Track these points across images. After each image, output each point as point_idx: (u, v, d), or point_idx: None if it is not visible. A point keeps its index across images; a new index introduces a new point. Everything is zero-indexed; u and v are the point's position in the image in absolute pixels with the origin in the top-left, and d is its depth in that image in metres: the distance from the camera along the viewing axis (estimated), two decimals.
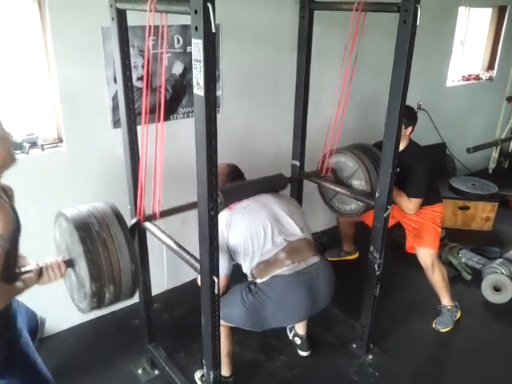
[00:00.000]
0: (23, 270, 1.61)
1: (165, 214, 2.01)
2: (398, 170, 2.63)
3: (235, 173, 2.33)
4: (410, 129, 2.78)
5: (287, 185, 2.43)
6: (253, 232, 2.01)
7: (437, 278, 2.84)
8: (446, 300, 2.89)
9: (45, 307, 2.62)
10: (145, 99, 1.71)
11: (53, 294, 2.61)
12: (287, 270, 2.00)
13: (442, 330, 2.84)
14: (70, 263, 1.66)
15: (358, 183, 2.56)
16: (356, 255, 3.55)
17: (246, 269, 2.07)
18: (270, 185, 2.31)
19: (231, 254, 2.06)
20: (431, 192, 2.83)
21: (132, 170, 2.00)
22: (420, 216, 2.88)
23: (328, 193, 2.79)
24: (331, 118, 2.41)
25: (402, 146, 2.72)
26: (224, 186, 2.20)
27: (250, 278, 2.10)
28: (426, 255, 2.83)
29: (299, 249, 2.06)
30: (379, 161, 2.31)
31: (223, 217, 2.03)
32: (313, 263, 2.07)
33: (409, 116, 2.69)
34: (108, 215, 1.65)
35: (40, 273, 1.61)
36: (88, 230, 1.57)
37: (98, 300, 1.62)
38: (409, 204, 2.76)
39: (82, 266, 1.56)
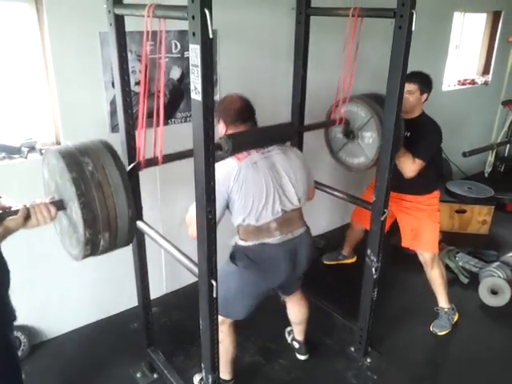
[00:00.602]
0: (7, 210, 1.45)
1: (168, 158, 1.77)
2: (409, 134, 2.62)
3: (247, 111, 2.05)
4: (424, 96, 2.70)
5: (296, 136, 2.24)
6: (256, 194, 1.95)
7: (435, 274, 2.84)
8: (443, 302, 2.89)
9: (42, 311, 2.63)
10: (142, 102, 1.72)
11: (50, 298, 2.63)
12: (275, 240, 2.04)
13: (439, 333, 2.84)
14: (60, 205, 1.53)
15: (369, 135, 2.43)
16: (354, 259, 3.56)
17: (235, 222, 2.04)
18: (279, 134, 2.16)
19: (227, 203, 1.98)
20: (429, 177, 2.74)
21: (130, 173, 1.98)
22: (417, 210, 2.82)
23: (335, 145, 2.68)
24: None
25: (416, 113, 2.71)
26: (234, 125, 2.01)
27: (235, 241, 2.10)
28: (426, 253, 2.82)
29: (290, 220, 2.07)
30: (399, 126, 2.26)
31: (232, 166, 1.92)
32: (299, 234, 2.12)
33: (424, 83, 2.67)
34: (103, 155, 1.51)
35: (27, 215, 1.47)
36: (81, 171, 1.43)
37: (91, 247, 1.51)
38: (412, 165, 2.60)
39: (75, 210, 1.45)
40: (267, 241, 2.02)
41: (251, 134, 2.05)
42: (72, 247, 1.60)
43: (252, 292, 2.11)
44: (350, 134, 2.52)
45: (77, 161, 1.45)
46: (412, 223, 2.86)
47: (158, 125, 1.69)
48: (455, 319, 2.92)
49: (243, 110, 2.02)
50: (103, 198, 1.46)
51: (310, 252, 2.22)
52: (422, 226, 2.82)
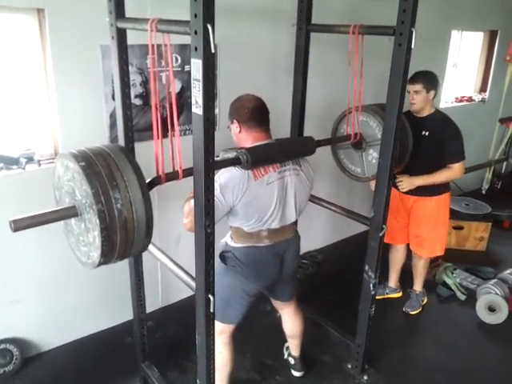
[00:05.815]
0: None
1: (188, 172, 1.60)
2: (427, 133, 2.70)
3: (261, 111, 2.00)
4: (432, 93, 2.75)
5: (315, 150, 2.14)
6: (261, 213, 1.97)
7: (424, 264, 3.12)
8: (418, 286, 3.20)
9: (35, 324, 2.59)
10: (155, 113, 1.71)
11: (43, 311, 2.59)
12: (263, 245, 2.07)
13: (411, 313, 3.15)
14: (73, 213, 1.45)
15: (374, 156, 2.36)
16: (400, 294, 3.33)
17: (229, 222, 2.06)
18: (298, 149, 2.11)
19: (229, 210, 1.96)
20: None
21: None
22: (428, 211, 2.91)
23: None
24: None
25: (427, 112, 2.78)
26: (247, 124, 1.95)
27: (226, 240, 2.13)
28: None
29: (281, 232, 2.10)
30: (406, 139, 2.37)
31: (244, 178, 1.88)
32: (286, 239, 2.15)
33: (429, 80, 2.75)
34: (134, 190, 1.39)
35: None
36: (109, 206, 1.34)
37: (102, 264, 1.47)
38: (456, 173, 2.80)
39: (94, 238, 1.39)
40: (256, 244, 2.06)
41: (271, 148, 1.99)
42: (80, 253, 1.55)
43: (242, 292, 2.12)
44: (358, 144, 2.43)
45: (107, 194, 1.35)
46: (421, 229, 2.98)
47: (173, 135, 1.61)
48: (425, 301, 3.24)
49: (258, 109, 1.98)
50: (125, 234, 1.41)
51: (298, 254, 2.27)
52: (431, 232, 2.96)
